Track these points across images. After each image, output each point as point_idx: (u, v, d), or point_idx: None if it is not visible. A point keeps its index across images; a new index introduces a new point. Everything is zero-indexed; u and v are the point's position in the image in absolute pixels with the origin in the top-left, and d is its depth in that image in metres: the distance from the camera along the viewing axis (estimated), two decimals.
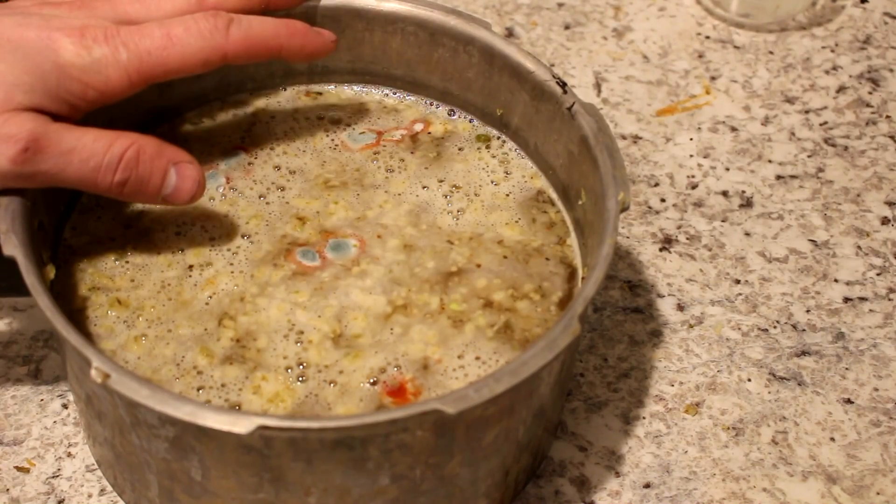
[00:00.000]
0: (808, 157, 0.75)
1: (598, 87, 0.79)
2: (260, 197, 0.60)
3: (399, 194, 0.61)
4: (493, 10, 0.84)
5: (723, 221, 0.71)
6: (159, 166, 0.53)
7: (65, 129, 0.51)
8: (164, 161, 0.53)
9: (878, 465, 0.60)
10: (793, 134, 0.76)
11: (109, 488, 0.58)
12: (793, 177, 0.74)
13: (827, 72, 0.80)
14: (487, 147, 0.63)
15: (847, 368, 0.64)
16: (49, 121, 0.51)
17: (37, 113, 0.51)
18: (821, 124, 0.77)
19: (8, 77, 0.50)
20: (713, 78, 0.79)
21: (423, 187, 0.61)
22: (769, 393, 0.63)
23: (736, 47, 0.82)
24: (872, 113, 0.78)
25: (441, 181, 0.62)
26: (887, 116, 0.78)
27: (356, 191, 0.61)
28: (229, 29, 0.54)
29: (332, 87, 0.66)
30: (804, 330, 0.66)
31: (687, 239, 0.70)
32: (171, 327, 0.55)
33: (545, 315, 0.56)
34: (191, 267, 0.57)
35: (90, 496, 0.58)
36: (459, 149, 0.63)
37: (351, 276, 0.57)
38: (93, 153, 0.51)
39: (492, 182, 0.62)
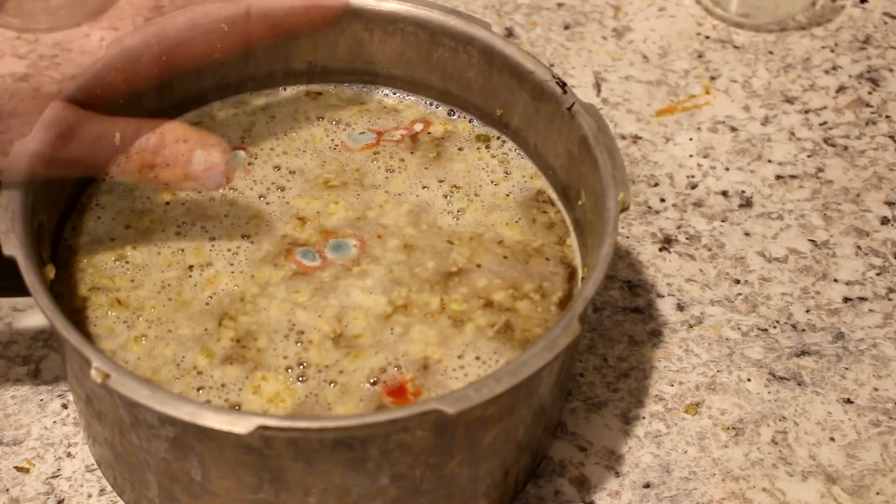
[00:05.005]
0: (808, 157, 0.75)
1: (597, 87, 0.79)
2: (260, 197, 0.60)
3: (399, 194, 0.61)
4: (492, 10, 0.84)
5: (722, 221, 0.71)
6: (183, 150, 0.55)
7: (96, 117, 0.55)
8: (188, 145, 0.55)
9: (878, 465, 0.60)
10: (792, 134, 0.76)
11: (109, 488, 0.58)
12: (792, 177, 0.74)
13: (827, 72, 0.80)
14: (487, 147, 0.63)
15: (847, 368, 0.64)
16: (82, 110, 0.55)
17: (70, 103, 0.55)
18: (820, 124, 0.77)
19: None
20: (713, 78, 0.79)
21: (423, 187, 0.61)
22: (769, 393, 0.63)
23: (736, 47, 0.82)
24: (872, 113, 0.78)
25: (441, 181, 0.61)
26: (887, 116, 0.78)
27: (356, 191, 0.61)
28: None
29: (332, 87, 0.66)
30: (804, 330, 0.66)
31: (687, 239, 0.70)
32: (171, 327, 0.55)
33: (545, 315, 0.56)
34: (191, 267, 0.57)
35: (90, 496, 0.58)
36: (459, 149, 0.63)
37: (351, 276, 0.57)
38: (120, 139, 0.55)
39: (492, 182, 0.62)
